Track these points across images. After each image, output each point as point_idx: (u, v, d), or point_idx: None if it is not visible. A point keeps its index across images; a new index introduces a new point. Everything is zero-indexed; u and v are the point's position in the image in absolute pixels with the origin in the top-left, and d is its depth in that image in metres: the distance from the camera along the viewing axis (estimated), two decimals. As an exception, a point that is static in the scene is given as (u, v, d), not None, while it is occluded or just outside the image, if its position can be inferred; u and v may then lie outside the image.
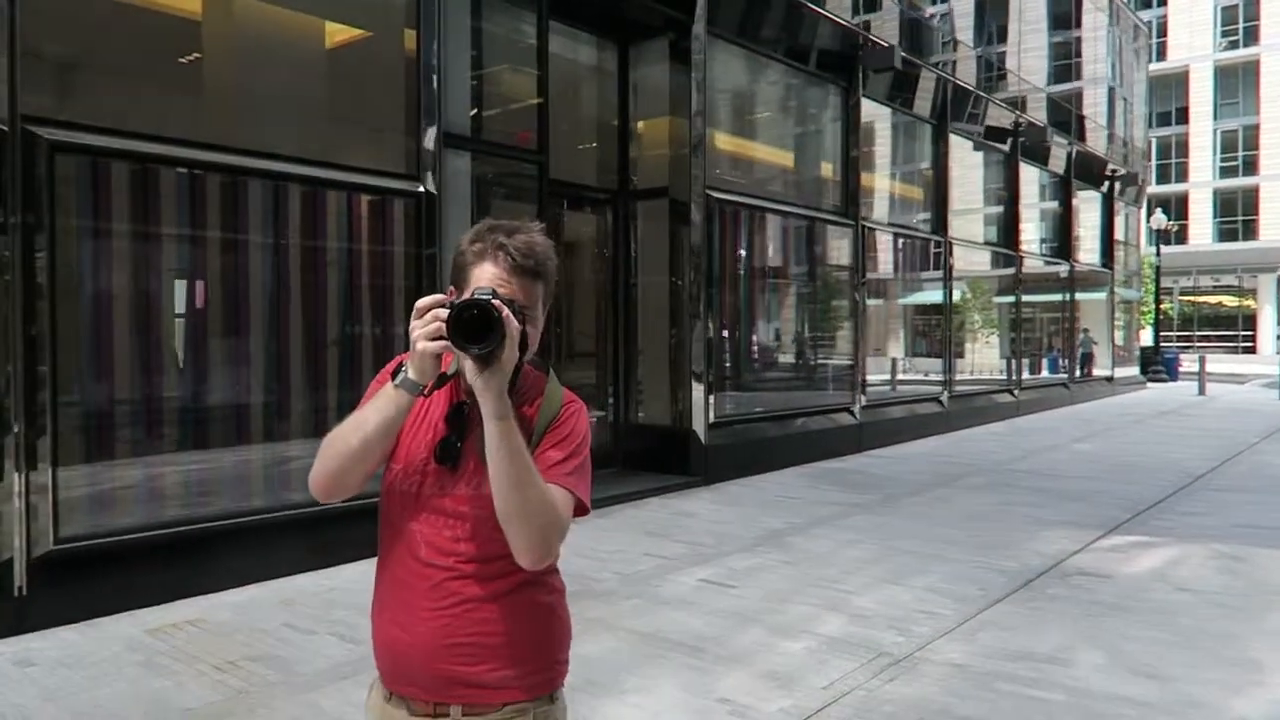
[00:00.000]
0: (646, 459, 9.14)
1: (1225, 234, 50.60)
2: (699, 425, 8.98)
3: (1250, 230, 49.57)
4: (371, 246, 6.45)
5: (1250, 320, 49.00)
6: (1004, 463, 10.76)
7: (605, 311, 9.53)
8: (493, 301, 1.45)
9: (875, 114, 12.70)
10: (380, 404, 1.54)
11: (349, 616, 5.00)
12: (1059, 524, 7.41)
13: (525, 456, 1.50)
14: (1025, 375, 17.27)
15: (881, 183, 13.34)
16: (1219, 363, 35.52)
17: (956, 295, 17.15)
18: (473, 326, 1.43)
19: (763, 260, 10.79)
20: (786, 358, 11.25)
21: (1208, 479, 9.62)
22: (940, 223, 13.93)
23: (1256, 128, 49.40)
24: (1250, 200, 49.71)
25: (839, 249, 11.59)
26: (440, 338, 1.46)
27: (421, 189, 6.51)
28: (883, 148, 13.35)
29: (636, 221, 9.56)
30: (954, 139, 14.44)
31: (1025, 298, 18.73)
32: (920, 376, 14.37)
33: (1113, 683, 4.10)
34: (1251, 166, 49.65)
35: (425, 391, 1.54)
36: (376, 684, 1.70)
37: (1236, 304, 49.81)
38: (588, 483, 1.64)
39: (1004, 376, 16.69)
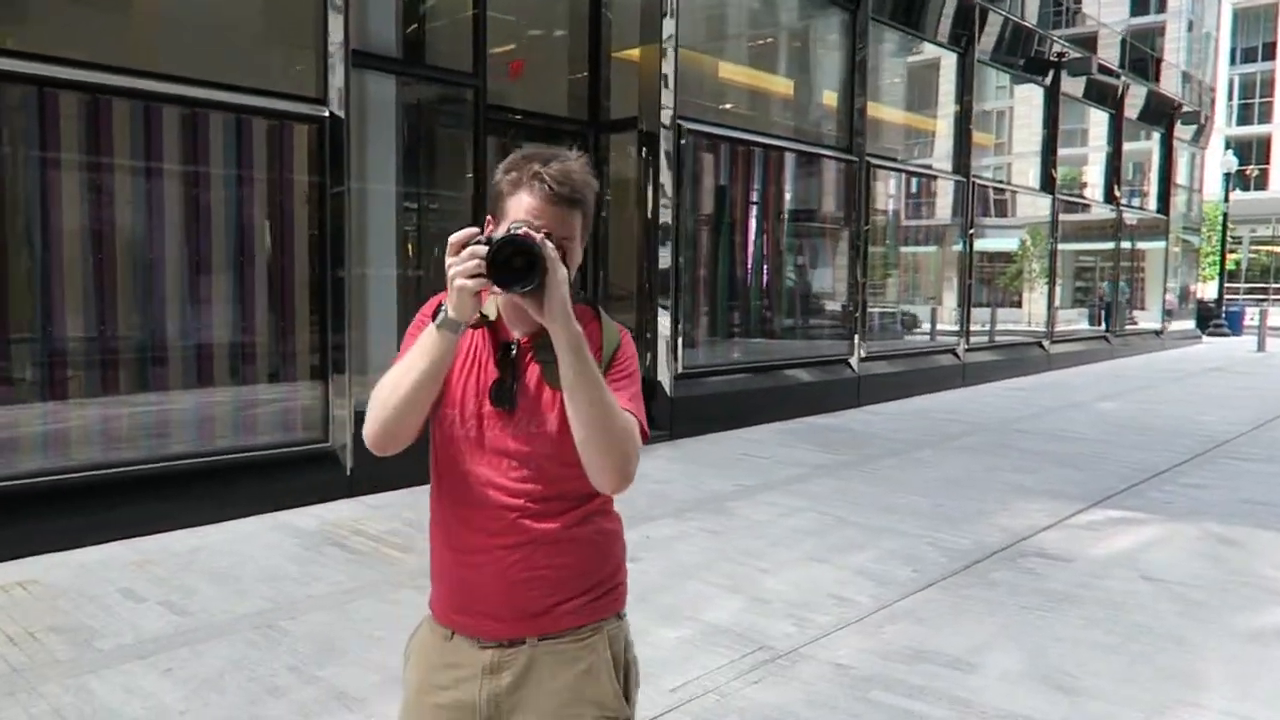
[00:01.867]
0: (611, 411, 8.56)
1: (1310, 180, 47.57)
2: (665, 376, 8.37)
3: (1337, 176, 46.55)
4: (266, 176, 5.91)
5: (1332, 272, 46.21)
6: (1010, 421, 9.97)
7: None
8: (532, 235, 1.40)
9: (887, 38, 11.69)
10: (425, 346, 1.49)
11: (196, 582, 4.57)
12: (1041, 494, 6.69)
13: (602, 382, 1.49)
14: (1063, 326, 16.27)
15: (893, 115, 12.38)
16: (1294, 317, 33.55)
17: (1012, 244, 16.27)
18: (512, 264, 1.39)
19: (747, 197, 9.99)
20: (774, 305, 10.50)
21: (1231, 445, 8.74)
22: (962, 162, 12.90)
23: (1350, 65, 46.08)
24: (1339, 143, 46.59)
25: (838, 186, 10.73)
26: (478, 275, 1.41)
27: (326, 113, 5.92)
28: (895, 77, 12.36)
29: (608, 154, 8.88)
30: (984, 70, 13.36)
31: (1076, 246, 17.68)
32: (977, 327, 13.53)
33: (1014, 696, 3.46)
34: (1343, 107, 46.42)
35: (473, 325, 1.55)
36: (429, 624, 1.71)
37: (1318, 255, 47.02)
38: (644, 412, 1.63)
39: (1041, 328, 15.70)
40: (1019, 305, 16.62)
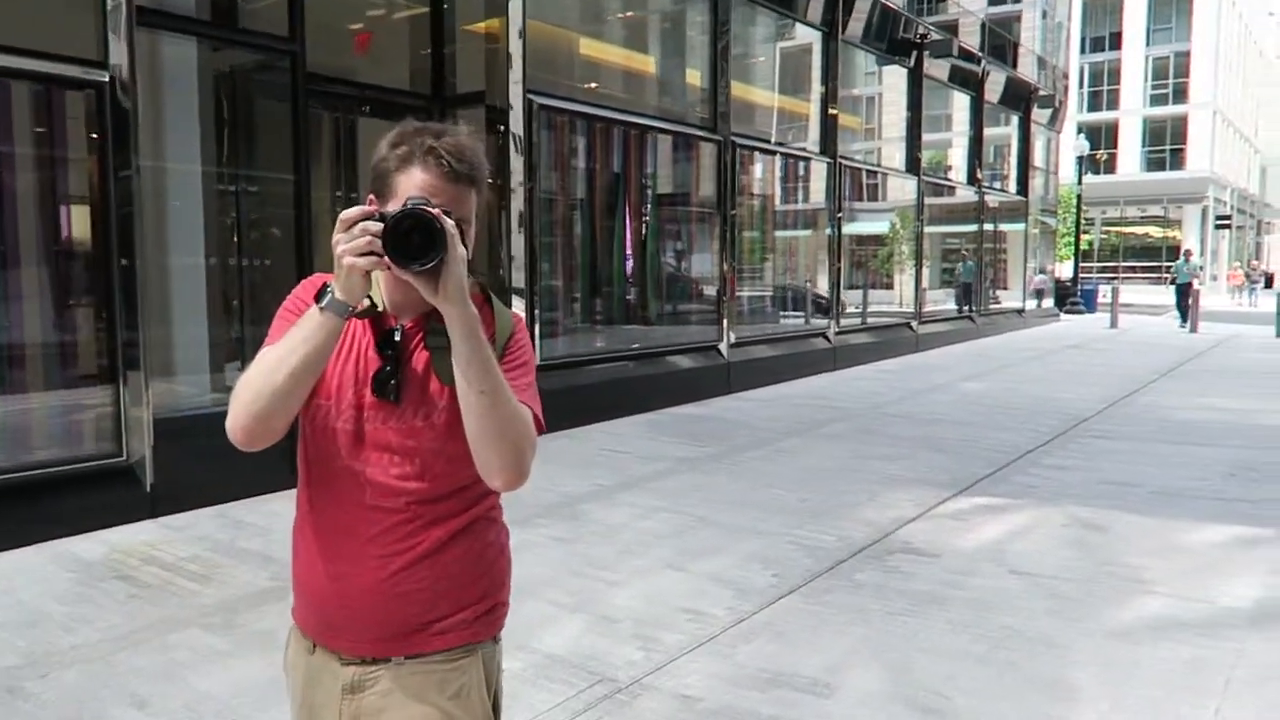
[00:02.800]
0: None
1: (1153, 163, 50.25)
2: (522, 369, 7.83)
3: (1178, 160, 49.29)
4: (35, 151, 5.11)
5: (1174, 251, 48.86)
6: (879, 405, 9.84)
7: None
8: (431, 211, 1.30)
9: (755, 19, 11.41)
10: (305, 332, 1.35)
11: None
12: (909, 482, 6.47)
13: (498, 370, 1.39)
14: (931, 307, 16.48)
15: (762, 97, 12.12)
16: (1143, 294, 35.40)
17: (882, 226, 16.34)
18: (410, 241, 1.28)
19: (608, 178, 9.53)
20: (640, 290, 10.08)
21: (1091, 423, 8.79)
22: (829, 144, 12.74)
23: (1188, 55, 48.80)
24: (1179, 129, 49.33)
25: (703, 166, 10.38)
26: (371, 253, 1.30)
27: (106, 77, 5.14)
28: (762, 57, 12.10)
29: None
30: (855, 56, 13.27)
31: (942, 228, 17.96)
32: (851, 309, 13.51)
33: (877, 724, 3.11)
34: (1181, 95, 49.13)
35: (358, 314, 1.41)
36: (295, 635, 1.58)
37: (1162, 235, 49.79)
38: (540, 402, 1.51)
39: (908, 310, 15.81)
40: (890, 287, 16.75)
